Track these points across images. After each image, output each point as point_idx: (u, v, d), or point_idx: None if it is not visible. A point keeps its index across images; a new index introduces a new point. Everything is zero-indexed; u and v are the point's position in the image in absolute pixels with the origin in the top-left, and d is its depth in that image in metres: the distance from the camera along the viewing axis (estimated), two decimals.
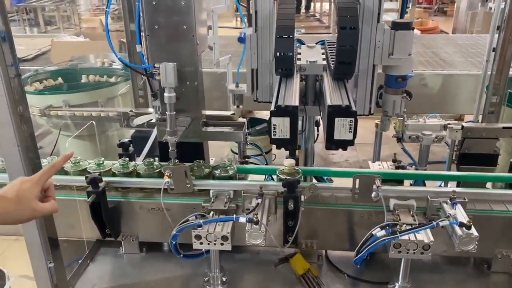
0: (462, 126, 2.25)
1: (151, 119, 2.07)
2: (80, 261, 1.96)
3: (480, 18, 7.03)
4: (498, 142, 2.36)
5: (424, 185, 1.99)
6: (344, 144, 1.52)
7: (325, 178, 2.11)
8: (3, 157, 1.42)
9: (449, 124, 2.21)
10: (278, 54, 1.70)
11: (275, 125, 1.53)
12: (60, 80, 3.68)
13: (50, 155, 2.10)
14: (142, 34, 1.89)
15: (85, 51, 4.66)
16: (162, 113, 1.93)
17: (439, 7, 13.86)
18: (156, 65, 1.84)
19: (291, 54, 1.71)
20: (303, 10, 13.21)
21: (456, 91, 4.08)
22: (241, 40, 2.02)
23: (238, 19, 11.51)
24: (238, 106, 2.24)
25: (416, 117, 2.19)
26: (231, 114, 2.25)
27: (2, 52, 1.29)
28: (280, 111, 1.52)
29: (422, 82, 4.05)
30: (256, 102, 2.11)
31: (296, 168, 1.83)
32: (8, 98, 1.33)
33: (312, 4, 13.41)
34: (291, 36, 1.69)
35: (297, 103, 1.55)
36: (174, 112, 1.83)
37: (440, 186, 2.11)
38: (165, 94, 1.81)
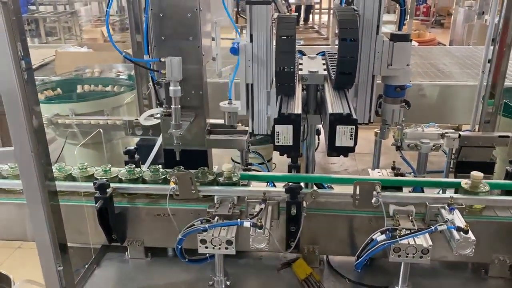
0: (459, 135, 2.32)
1: (157, 113, 2.11)
2: (86, 266, 1.99)
3: (476, 30, 7.13)
4: (495, 150, 2.42)
5: (423, 192, 2.04)
6: (345, 151, 1.57)
7: (326, 185, 2.16)
8: (17, 162, 1.46)
9: (446, 133, 2.27)
10: (279, 69, 1.68)
11: (278, 132, 1.59)
12: (59, 90, 3.75)
13: (56, 162, 2.14)
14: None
15: (89, 61, 4.73)
16: (167, 107, 1.97)
17: (436, 20, 14.07)
18: (162, 59, 1.88)
19: (292, 69, 1.68)
20: (301, 21, 13.37)
21: (453, 101, 4.15)
22: (234, 51, 1.76)
23: (238, 31, 11.64)
24: (232, 126, 2.11)
25: (414, 126, 2.25)
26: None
27: (18, 61, 1.34)
28: (283, 119, 1.57)
29: (420, 93, 4.12)
30: None
31: (483, 181, 1.85)
32: (23, 106, 1.38)
33: (311, 16, 13.57)
34: (292, 53, 1.66)
35: (299, 111, 1.61)
36: (179, 106, 1.88)
37: (438, 193, 2.16)
38: (171, 88, 1.86)
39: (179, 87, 1.85)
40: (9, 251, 3.59)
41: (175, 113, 1.87)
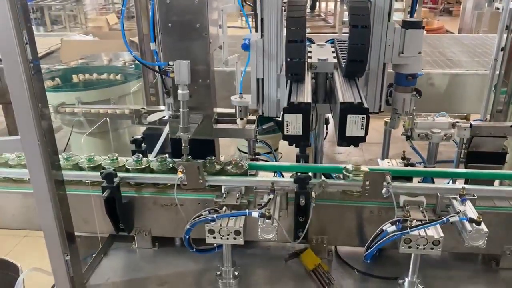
0: (471, 125, 2.27)
1: (164, 116, 2.10)
2: (94, 255, 1.99)
3: (486, 18, 7.01)
4: (506, 140, 2.37)
5: (433, 182, 2.01)
6: (356, 141, 1.53)
7: (334, 175, 2.13)
8: (23, 151, 1.45)
9: (457, 122, 2.23)
10: (289, 59, 1.66)
11: (288, 121, 1.55)
12: (58, 80, 3.72)
13: (64, 151, 2.13)
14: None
15: (94, 50, 4.71)
16: (175, 110, 1.96)
17: (444, 7, 13.86)
18: (170, 63, 1.86)
19: (302, 60, 1.67)
20: (308, 9, 13.22)
21: (462, 90, 4.09)
22: (245, 47, 1.77)
23: (244, 18, 11.56)
24: (242, 119, 2.09)
25: (425, 115, 2.21)
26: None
27: (24, 49, 1.32)
28: (293, 108, 1.54)
29: (429, 82, 4.06)
30: None
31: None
32: (29, 94, 1.37)
33: (317, 3, 13.41)
34: (302, 41, 1.64)
35: (309, 100, 1.57)
36: (188, 109, 1.86)
37: (448, 183, 2.13)
38: (179, 91, 1.84)
39: (187, 91, 1.83)
40: (16, 240, 3.61)
41: (183, 117, 1.85)
